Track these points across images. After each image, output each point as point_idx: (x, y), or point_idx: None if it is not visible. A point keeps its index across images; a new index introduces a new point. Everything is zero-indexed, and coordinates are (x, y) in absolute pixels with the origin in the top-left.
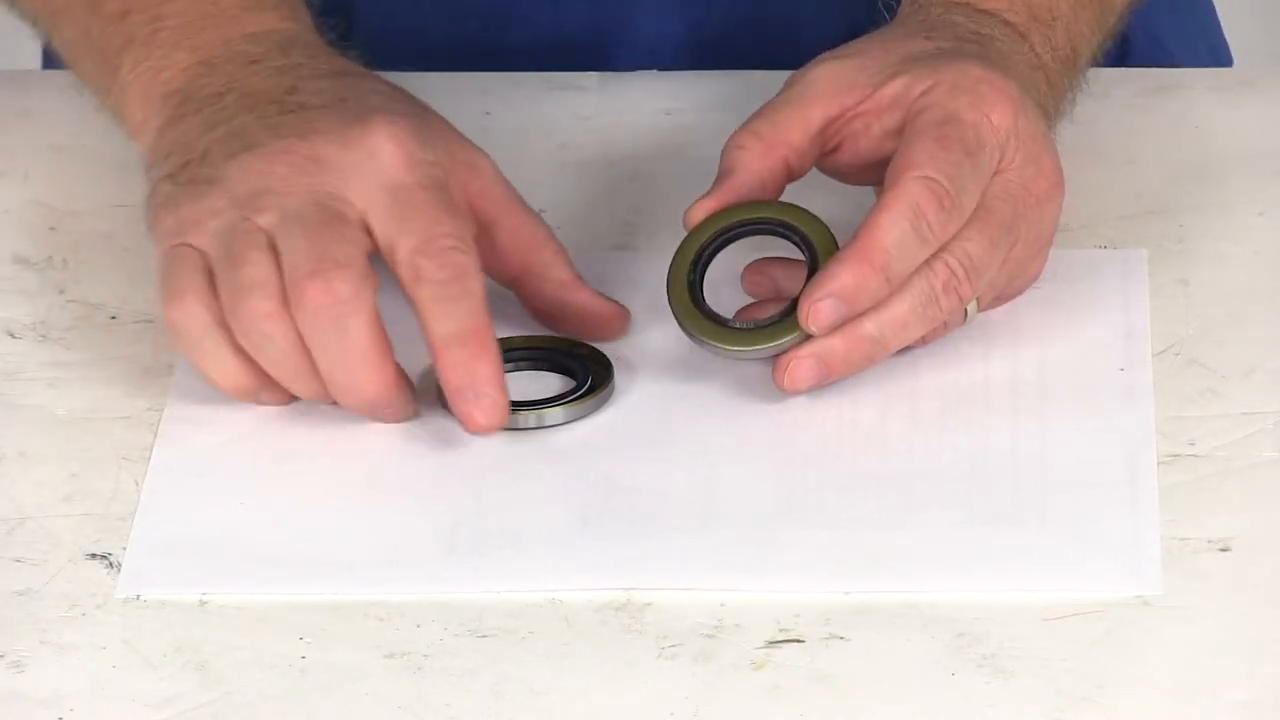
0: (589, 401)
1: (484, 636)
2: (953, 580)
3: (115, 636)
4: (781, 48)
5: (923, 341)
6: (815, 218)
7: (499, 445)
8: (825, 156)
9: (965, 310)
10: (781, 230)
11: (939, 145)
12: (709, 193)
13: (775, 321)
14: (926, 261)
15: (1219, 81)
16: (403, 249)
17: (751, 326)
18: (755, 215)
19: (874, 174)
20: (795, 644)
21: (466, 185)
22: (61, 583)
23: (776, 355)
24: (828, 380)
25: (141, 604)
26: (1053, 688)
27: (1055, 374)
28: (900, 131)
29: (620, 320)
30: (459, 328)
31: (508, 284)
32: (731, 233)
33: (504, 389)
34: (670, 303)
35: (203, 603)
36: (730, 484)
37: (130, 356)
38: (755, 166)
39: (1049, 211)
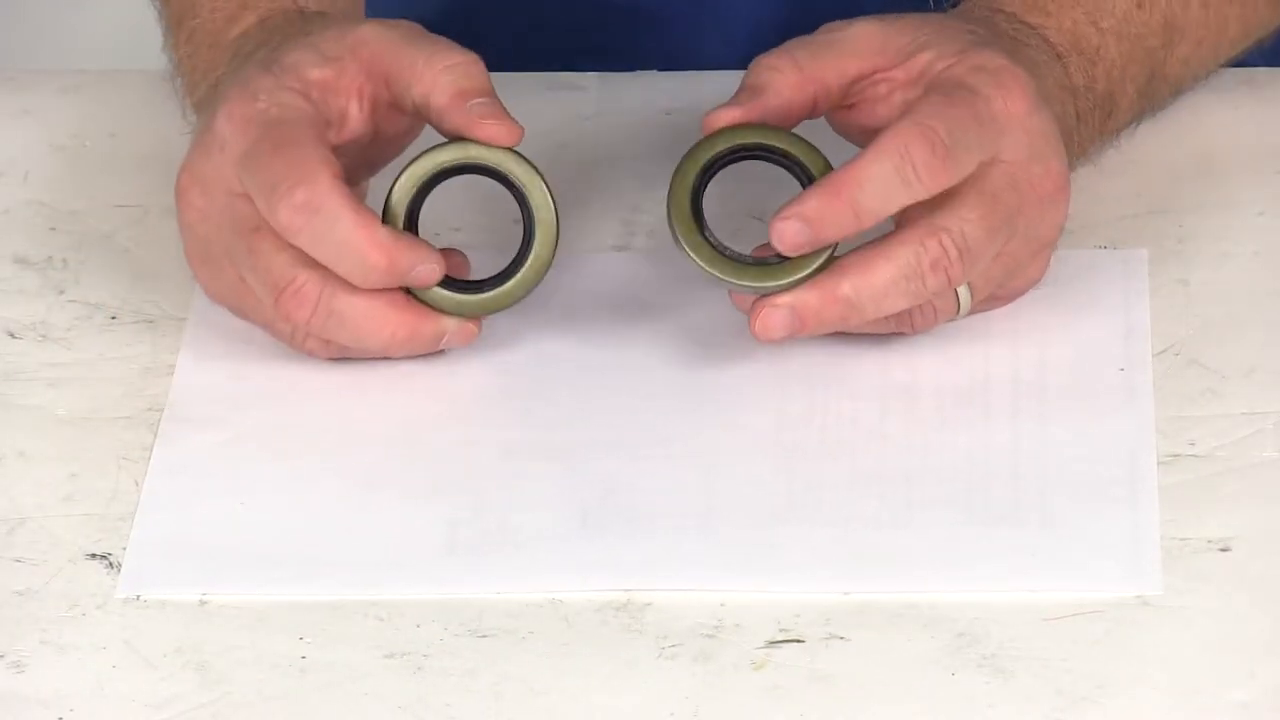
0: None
1: (484, 636)
2: (953, 580)
3: (115, 636)
4: None
5: (912, 328)
6: (828, 163)
7: (497, 445)
8: (839, 110)
9: (958, 302)
10: (793, 166)
11: (946, 101)
12: (736, 102)
13: (762, 263)
14: (919, 236)
15: (1219, 81)
16: (266, 216)
17: (738, 258)
18: (773, 142)
19: None
20: (795, 644)
21: (363, 69)
22: (61, 583)
23: (755, 297)
24: (800, 334)
25: (141, 604)
26: (1053, 688)
27: (1055, 374)
28: None
29: (498, 139)
30: (349, 265)
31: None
32: (746, 152)
33: (426, 254)
34: (669, 204)
35: (203, 603)
36: (730, 484)
37: (130, 356)
38: (788, 94)
39: (1051, 214)
